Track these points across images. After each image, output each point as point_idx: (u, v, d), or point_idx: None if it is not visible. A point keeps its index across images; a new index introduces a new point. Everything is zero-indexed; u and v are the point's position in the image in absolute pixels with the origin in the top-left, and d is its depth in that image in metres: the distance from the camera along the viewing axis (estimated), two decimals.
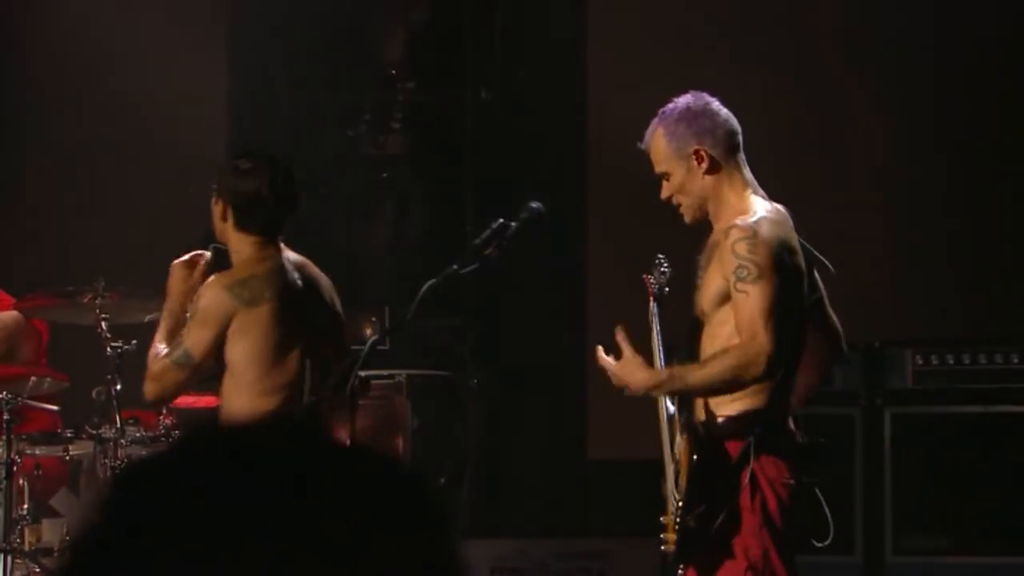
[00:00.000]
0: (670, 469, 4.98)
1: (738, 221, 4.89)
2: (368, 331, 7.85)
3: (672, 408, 5.00)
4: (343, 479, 1.29)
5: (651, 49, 8.61)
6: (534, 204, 5.16)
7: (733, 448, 4.82)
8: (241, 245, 5.67)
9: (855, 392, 7.37)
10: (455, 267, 5.12)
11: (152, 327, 6.25)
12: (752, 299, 4.78)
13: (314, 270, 5.78)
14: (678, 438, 4.95)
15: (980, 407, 7.27)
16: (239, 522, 1.25)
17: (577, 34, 8.90)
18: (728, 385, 4.79)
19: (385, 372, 7.33)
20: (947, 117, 8.32)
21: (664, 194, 5.09)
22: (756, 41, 8.55)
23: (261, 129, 9.05)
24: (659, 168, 5.08)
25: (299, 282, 5.66)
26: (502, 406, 8.65)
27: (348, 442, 4.96)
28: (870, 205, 8.36)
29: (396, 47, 9.00)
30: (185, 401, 7.13)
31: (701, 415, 4.92)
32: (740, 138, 5.08)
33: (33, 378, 6.80)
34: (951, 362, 7.39)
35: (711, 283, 4.92)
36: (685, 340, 5.02)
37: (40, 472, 6.59)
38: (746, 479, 4.77)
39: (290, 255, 5.71)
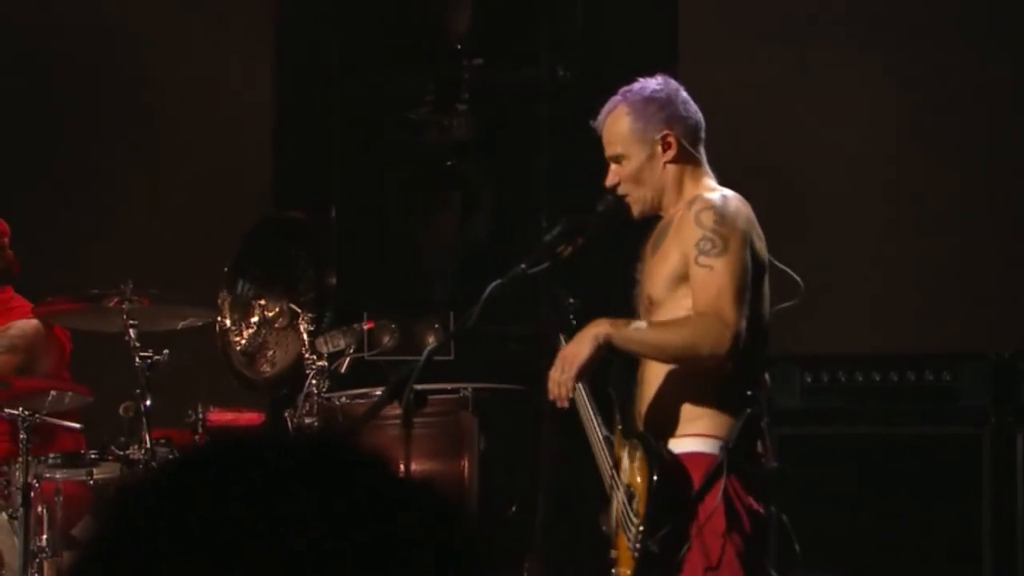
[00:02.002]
0: (617, 496, 4.90)
1: (704, 193, 4.89)
2: (430, 339, 7.73)
3: (606, 431, 4.98)
4: (367, 498, 1.31)
5: (747, 23, 8.57)
6: (612, 196, 5.09)
7: (696, 469, 4.77)
8: None
9: (983, 410, 7.22)
10: (523, 267, 5.10)
11: (186, 334, 6.25)
12: (717, 274, 4.75)
13: None
14: (624, 460, 4.88)
15: None
16: (252, 537, 1.27)
17: (666, 5, 8.78)
18: (681, 354, 4.76)
19: (448, 386, 7.23)
20: None
21: (611, 180, 5.05)
22: (867, 13, 8.44)
23: (312, 114, 9.00)
24: (613, 150, 5.04)
25: None
26: (581, 425, 8.52)
27: (401, 463, 4.87)
28: (995, 206, 8.31)
29: (462, 19, 8.89)
30: (224, 418, 7.10)
31: (659, 432, 4.85)
32: (704, 133, 5.04)
33: (53, 392, 6.92)
34: None
35: (664, 262, 4.89)
36: None
37: (61, 498, 6.65)
38: (713, 503, 4.72)
39: None
